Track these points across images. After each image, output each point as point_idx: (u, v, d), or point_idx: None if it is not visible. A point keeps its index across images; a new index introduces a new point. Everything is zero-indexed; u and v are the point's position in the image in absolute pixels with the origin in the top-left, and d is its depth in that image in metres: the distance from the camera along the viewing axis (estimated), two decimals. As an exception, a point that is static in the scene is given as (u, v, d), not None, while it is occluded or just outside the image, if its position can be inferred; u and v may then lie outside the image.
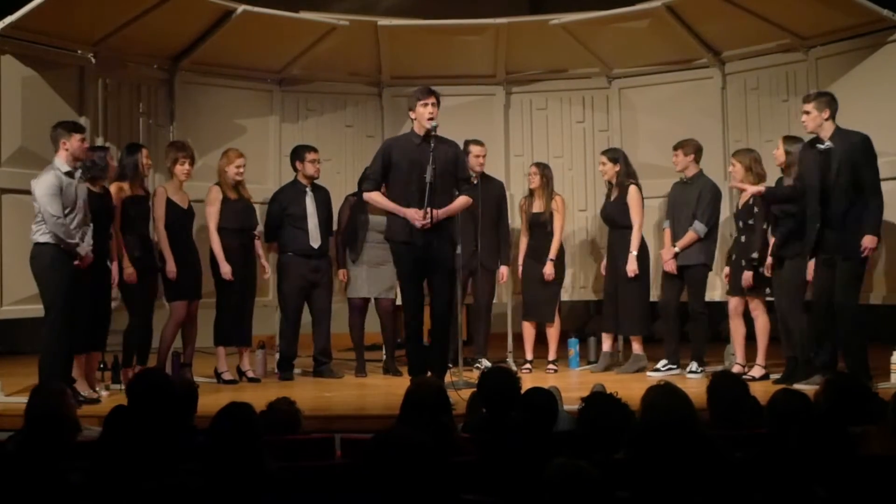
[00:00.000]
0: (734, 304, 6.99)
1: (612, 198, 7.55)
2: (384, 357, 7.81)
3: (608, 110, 8.32)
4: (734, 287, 6.94)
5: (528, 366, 7.62)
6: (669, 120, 7.90)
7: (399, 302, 6.91)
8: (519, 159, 8.40)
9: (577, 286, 8.25)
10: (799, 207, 6.37)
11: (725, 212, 7.43)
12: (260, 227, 7.43)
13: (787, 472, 3.11)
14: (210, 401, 4.53)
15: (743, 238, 6.88)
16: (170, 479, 3.14)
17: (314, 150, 7.52)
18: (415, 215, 5.87)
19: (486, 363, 7.54)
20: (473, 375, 6.55)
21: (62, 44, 6.87)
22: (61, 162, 5.91)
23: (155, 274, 6.85)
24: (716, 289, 7.54)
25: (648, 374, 7.16)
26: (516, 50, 8.21)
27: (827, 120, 6.10)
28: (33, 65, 6.59)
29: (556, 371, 7.60)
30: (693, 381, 6.75)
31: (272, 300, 7.71)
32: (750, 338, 7.01)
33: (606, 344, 7.70)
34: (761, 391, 4.99)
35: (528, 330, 7.76)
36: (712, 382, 4.43)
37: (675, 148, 7.30)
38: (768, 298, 6.84)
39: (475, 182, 6.76)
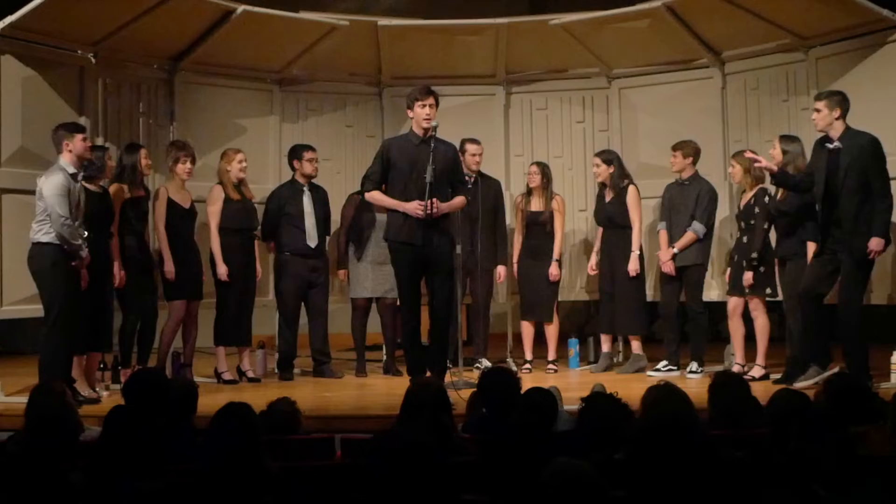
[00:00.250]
0: (734, 303, 6.99)
1: (609, 198, 7.55)
2: (384, 357, 7.81)
3: (608, 110, 8.32)
4: (734, 287, 6.94)
5: (527, 366, 7.63)
6: (669, 120, 7.90)
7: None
8: (519, 159, 8.40)
9: (576, 286, 8.25)
10: (800, 202, 6.38)
11: (724, 212, 7.44)
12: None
13: (787, 472, 3.11)
14: (210, 401, 4.53)
15: (745, 238, 6.89)
16: (169, 478, 3.15)
17: (312, 149, 7.52)
18: (415, 207, 5.87)
19: (486, 363, 7.54)
20: (473, 375, 6.55)
21: (62, 44, 6.87)
22: (67, 163, 5.91)
23: (151, 274, 6.86)
24: (712, 289, 7.55)
25: (648, 374, 7.16)
26: (516, 50, 8.21)
27: (838, 119, 6.07)
28: (33, 65, 6.59)
29: (556, 371, 7.60)
30: (693, 381, 6.76)
31: (272, 300, 7.71)
32: (750, 338, 7.02)
33: (606, 345, 7.71)
34: (761, 391, 4.99)
35: (528, 330, 7.77)
36: (714, 382, 4.43)
37: (675, 149, 7.30)
38: (768, 298, 6.85)
39: (471, 184, 6.77)
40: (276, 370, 7.46)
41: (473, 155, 7.60)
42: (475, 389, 4.83)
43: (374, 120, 8.48)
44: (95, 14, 6.81)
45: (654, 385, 3.89)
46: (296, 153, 7.50)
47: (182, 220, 6.95)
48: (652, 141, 7.95)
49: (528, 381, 4.73)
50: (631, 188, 7.48)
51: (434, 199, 5.85)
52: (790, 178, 6.42)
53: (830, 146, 6.08)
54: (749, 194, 6.89)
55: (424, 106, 5.97)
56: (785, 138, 6.70)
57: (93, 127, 6.92)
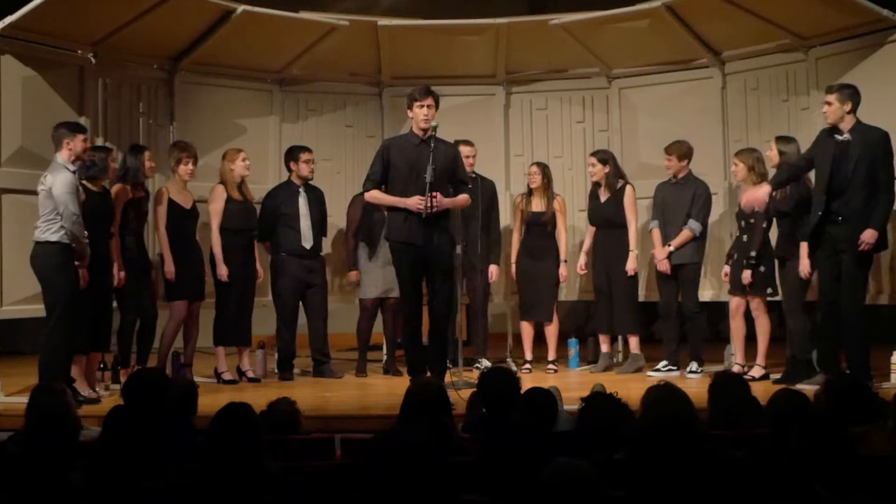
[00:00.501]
0: (735, 303, 6.99)
1: (604, 198, 7.55)
2: (384, 357, 7.81)
3: (608, 110, 8.32)
4: (735, 286, 6.94)
5: (527, 366, 7.63)
6: (669, 120, 7.90)
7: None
8: (519, 159, 8.40)
9: (577, 286, 8.25)
10: (799, 200, 6.39)
11: (723, 212, 7.44)
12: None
13: (787, 472, 3.11)
14: (210, 401, 4.54)
15: (745, 237, 6.89)
16: (169, 478, 3.15)
17: (308, 150, 7.53)
18: (416, 202, 5.87)
19: (485, 363, 7.54)
20: (473, 375, 6.55)
21: (62, 44, 6.87)
22: (66, 161, 5.91)
23: (149, 274, 6.86)
24: (706, 288, 7.55)
25: (648, 374, 7.16)
26: (516, 50, 8.21)
27: (849, 113, 6.06)
28: (33, 65, 6.59)
29: (555, 371, 7.60)
30: (693, 381, 6.76)
31: (271, 300, 7.71)
32: (750, 337, 7.01)
33: (605, 345, 7.71)
34: (761, 391, 4.99)
35: (527, 330, 7.77)
36: (714, 382, 4.43)
37: (668, 152, 7.29)
38: (769, 298, 6.85)
39: (471, 184, 6.75)
40: (276, 370, 7.46)
41: (467, 157, 7.56)
42: (475, 389, 4.83)
43: (374, 120, 8.48)
44: (95, 14, 6.81)
45: (654, 385, 3.90)
46: (292, 154, 7.51)
47: (184, 220, 6.96)
48: (652, 141, 7.94)
49: (528, 381, 4.72)
50: (629, 188, 7.49)
51: (436, 193, 5.85)
52: (782, 177, 6.39)
53: (840, 137, 6.06)
54: (750, 193, 6.89)
55: (423, 106, 5.98)
56: (781, 139, 6.70)
57: (93, 127, 6.92)
